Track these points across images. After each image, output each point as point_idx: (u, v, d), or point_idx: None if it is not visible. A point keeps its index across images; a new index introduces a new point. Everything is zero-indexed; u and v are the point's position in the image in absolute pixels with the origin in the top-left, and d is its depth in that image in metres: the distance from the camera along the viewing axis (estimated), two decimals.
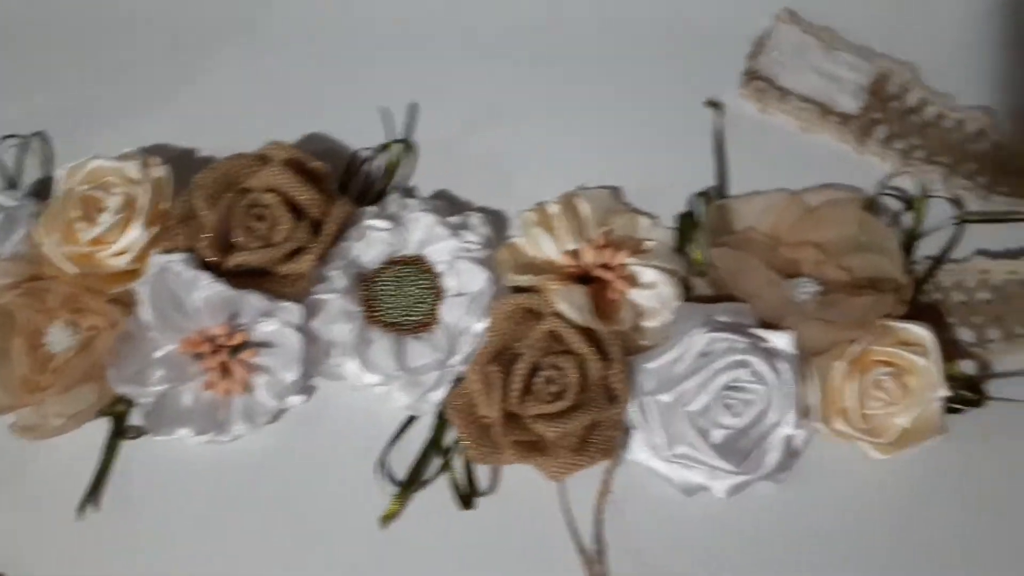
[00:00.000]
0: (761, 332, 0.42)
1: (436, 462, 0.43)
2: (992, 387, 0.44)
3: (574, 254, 0.44)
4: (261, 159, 0.46)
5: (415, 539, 0.42)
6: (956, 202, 0.47)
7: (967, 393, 0.43)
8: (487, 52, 0.52)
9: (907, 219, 0.47)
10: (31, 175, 0.50)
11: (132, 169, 0.45)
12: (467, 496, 0.42)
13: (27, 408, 0.43)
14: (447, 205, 0.47)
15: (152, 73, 0.52)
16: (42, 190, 0.49)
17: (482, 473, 0.43)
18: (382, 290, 0.45)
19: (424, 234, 0.45)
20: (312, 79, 0.52)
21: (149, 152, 0.49)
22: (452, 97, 0.51)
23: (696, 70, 0.50)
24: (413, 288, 0.45)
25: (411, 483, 0.42)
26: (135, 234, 0.44)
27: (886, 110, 0.50)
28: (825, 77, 0.50)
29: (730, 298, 0.43)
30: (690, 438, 0.40)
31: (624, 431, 0.42)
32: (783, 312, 0.42)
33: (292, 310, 0.44)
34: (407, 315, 0.44)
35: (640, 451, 0.42)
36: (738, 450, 0.41)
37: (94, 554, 0.43)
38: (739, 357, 0.40)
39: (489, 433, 0.41)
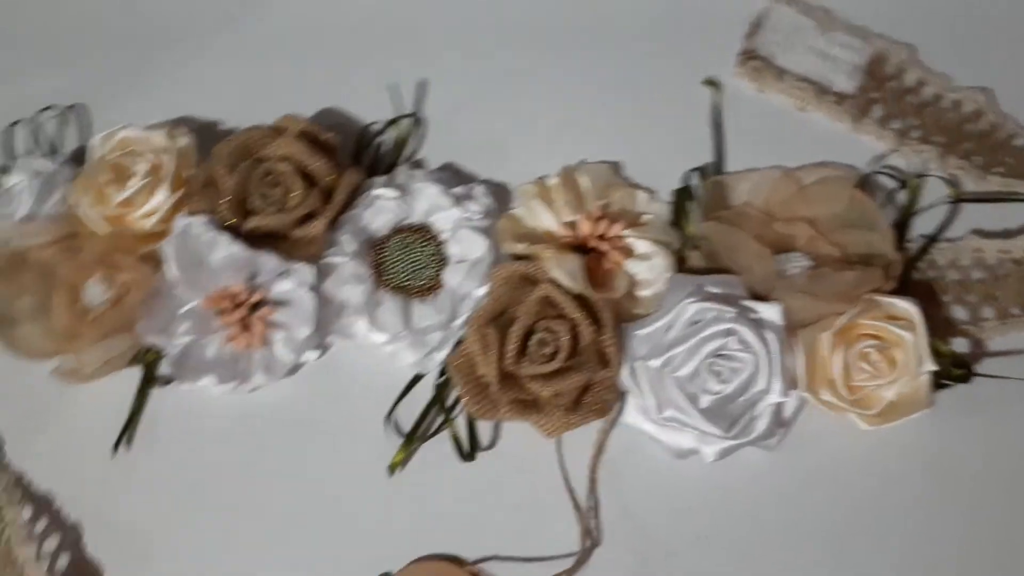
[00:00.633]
0: (750, 303, 0.43)
1: (440, 417, 0.45)
2: (985, 366, 0.45)
3: (571, 225, 0.46)
4: (276, 131, 0.49)
5: (420, 487, 0.45)
6: (951, 182, 0.48)
7: (955, 369, 0.43)
8: (490, 32, 0.54)
9: (902, 198, 0.48)
10: (71, 143, 0.53)
11: (159, 138, 0.48)
12: (470, 451, 0.44)
13: (67, 355, 0.47)
14: (452, 177, 0.50)
15: (180, 50, 0.56)
16: (80, 157, 0.52)
17: (483, 429, 0.45)
18: (390, 255, 0.47)
19: (429, 203, 0.47)
20: (326, 55, 0.55)
21: (176, 123, 0.52)
22: (458, 74, 0.53)
23: (694, 49, 0.52)
24: (418, 254, 0.47)
25: (415, 435, 0.45)
26: (161, 197, 0.47)
27: (883, 90, 0.51)
28: (821, 57, 0.52)
29: (722, 271, 0.45)
30: (679, 402, 0.42)
31: (617, 394, 0.44)
32: (772, 285, 0.44)
33: (305, 271, 0.46)
34: (413, 279, 0.47)
35: (633, 415, 0.44)
36: (726, 415, 0.42)
37: (124, 489, 0.46)
38: (727, 326, 0.42)
39: (488, 391, 0.44)
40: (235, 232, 0.47)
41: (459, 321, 0.45)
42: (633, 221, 0.47)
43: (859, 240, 0.45)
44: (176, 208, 0.48)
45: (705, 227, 0.45)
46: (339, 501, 0.45)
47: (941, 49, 0.51)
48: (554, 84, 0.53)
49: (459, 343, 0.45)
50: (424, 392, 0.46)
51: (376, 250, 0.48)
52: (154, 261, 0.47)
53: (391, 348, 0.46)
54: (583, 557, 0.42)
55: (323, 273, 0.47)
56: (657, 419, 0.43)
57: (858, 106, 0.51)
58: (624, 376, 0.44)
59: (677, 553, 0.43)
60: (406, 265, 0.47)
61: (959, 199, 0.48)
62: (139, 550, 0.45)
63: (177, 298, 0.47)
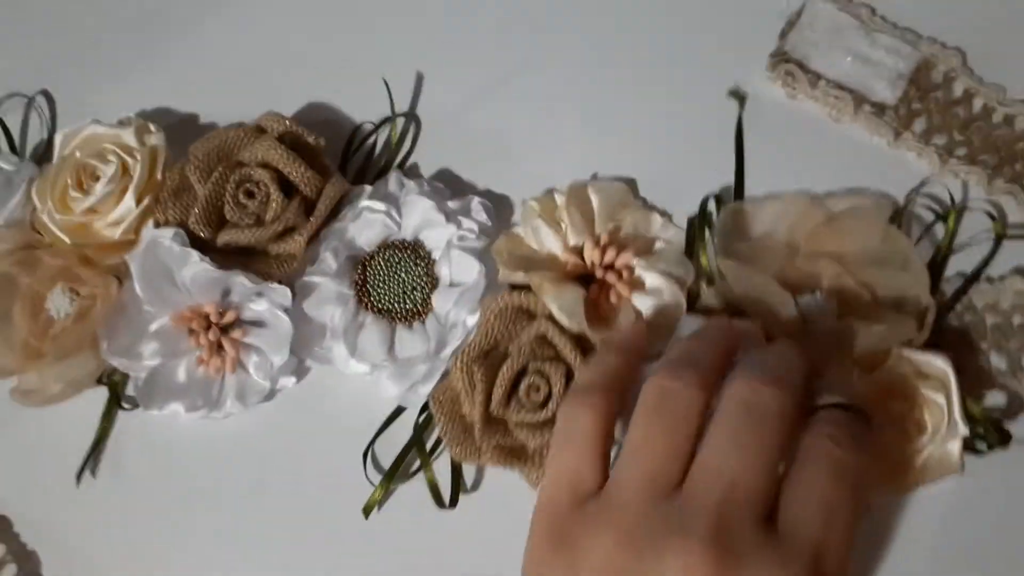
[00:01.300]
0: None
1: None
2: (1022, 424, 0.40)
3: (577, 250, 0.42)
4: (258, 130, 0.45)
5: (398, 527, 0.42)
6: (996, 215, 0.43)
7: (989, 433, 0.39)
8: (499, 20, 0.48)
9: (940, 230, 0.43)
10: (33, 136, 0.49)
11: (128, 136, 0.44)
12: (452, 497, 0.41)
13: (29, 373, 0.44)
14: (448, 187, 0.45)
15: (157, 32, 0.50)
16: (43, 152, 0.48)
17: (468, 469, 0.42)
18: (375, 275, 0.44)
19: (420, 219, 0.43)
20: (317, 42, 0.49)
21: (152, 115, 0.48)
22: (460, 68, 0.48)
23: (725, 49, 0.47)
24: (404, 275, 0.43)
25: (393, 475, 0.42)
26: (128, 205, 0.43)
27: (927, 101, 0.46)
28: (861, 61, 0.46)
29: (738, 312, 0.41)
30: None
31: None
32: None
33: (281, 291, 0.43)
34: (400, 302, 0.43)
35: None
36: None
37: (86, 517, 0.44)
38: None
39: (471, 433, 0.40)
40: (207, 247, 0.44)
41: (446, 351, 0.42)
42: (644, 248, 0.42)
43: (890, 281, 0.40)
44: (145, 216, 0.44)
45: (722, 264, 0.41)
46: (313, 540, 0.42)
47: (995, 56, 0.45)
48: (567, 83, 0.47)
49: (445, 375, 0.42)
50: (408, 425, 0.42)
51: (361, 267, 0.44)
52: (121, 273, 0.44)
53: (372, 378, 0.43)
54: None
55: (303, 292, 0.44)
56: None
57: (899, 118, 0.45)
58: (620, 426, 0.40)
59: None
60: (392, 286, 0.43)
61: (1003, 235, 0.43)
62: None
63: (144, 315, 0.44)
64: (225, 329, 0.43)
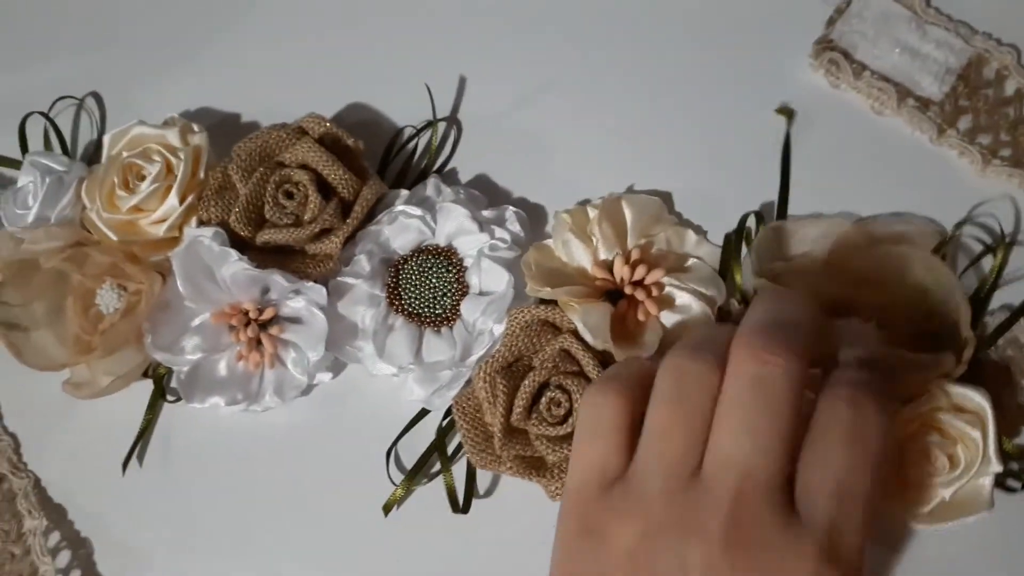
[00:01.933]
0: None
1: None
2: None
3: (607, 266, 0.42)
4: (300, 132, 0.45)
5: (414, 527, 0.43)
6: None
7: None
8: (542, 26, 0.48)
9: (988, 260, 0.41)
10: (84, 136, 0.51)
11: (172, 136, 0.45)
12: (465, 503, 0.42)
13: (80, 366, 0.46)
14: (485, 193, 0.45)
15: (201, 34, 0.51)
16: (93, 152, 0.49)
17: (483, 477, 0.43)
18: (407, 278, 0.44)
19: (454, 226, 0.43)
20: (360, 45, 0.49)
21: (196, 115, 0.49)
22: (502, 73, 0.47)
23: (768, 47, 0.45)
24: (435, 280, 0.44)
25: (415, 475, 0.43)
26: (172, 203, 0.44)
27: (975, 98, 0.44)
28: (910, 54, 0.44)
29: None
30: None
31: None
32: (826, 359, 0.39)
33: (317, 290, 0.44)
34: (430, 307, 0.44)
35: None
36: None
37: (136, 507, 0.46)
38: None
39: (492, 442, 0.41)
40: (247, 245, 0.45)
41: (472, 359, 0.42)
42: (677, 265, 0.42)
43: (931, 312, 0.39)
44: (189, 214, 0.45)
45: (758, 284, 0.40)
46: (338, 534, 0.43)
47: None
48: (606, 88, 0.46)
49: (470, 381, 0.42)
50: (431, 427, 0.43)
51: (394, 270, 0.44)
52: (167, 269, 0.45)
53: (399, 379, 0.44)
54: None
55: (337, 292, 0.44)
56: None
57: (944, 115, 0.44)
58: None
59: None
60: (423, 291, 0.44)
61: None
62: (138, 570, 0.45)
63: (187, 311, 0.45)
64: (264, 325, 0.44)
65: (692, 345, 0.34)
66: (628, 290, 0.41)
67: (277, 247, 0.45)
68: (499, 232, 0.43)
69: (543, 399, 0.40)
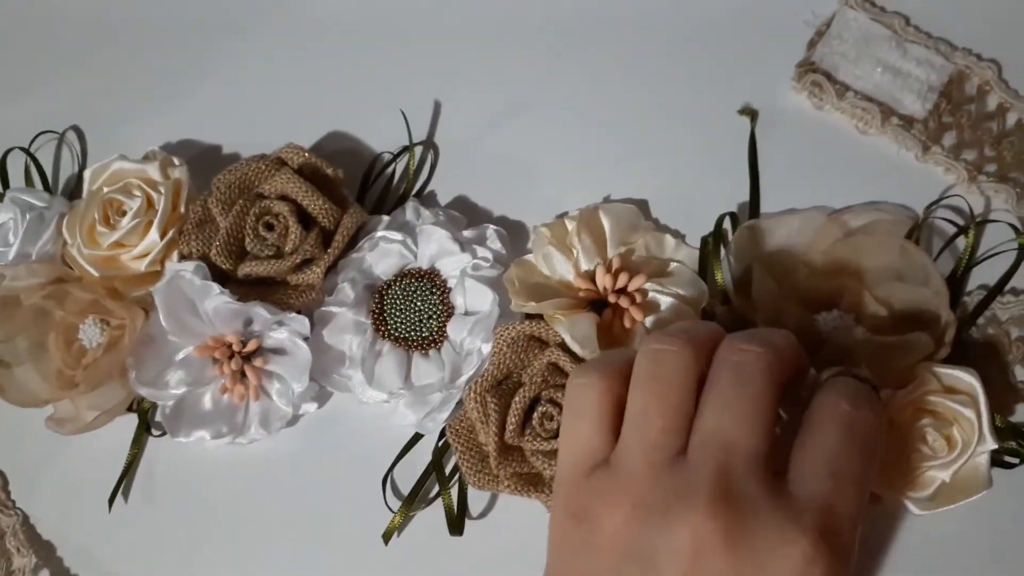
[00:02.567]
0: None
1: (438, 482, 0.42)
2: None
3: (590, 276, 0.42)
4: (279, 162, 0.45)
5: (415, 554, 0.42)
6: (1019, 228, 0.42)
7: (1020, 446, 0.39)
8: (510, 46, 0.48)
9: (962, 242, 0.42)
10: (65, 171, 0.51)
11: (152, 171, 0.45)
12: (458, 524, 0.41)
13: (63, 402, 0.45)
14: (465, 214, 0.45)
15: (180, 66, 0.52)
16: (77, 187, 0.50)
17: (480, 498, 0.42)
18: (391, 303, 0.44)
19: (436, 248, 0.44)
20: (337, 74, 0.50)
21: (177, 147, 0.49)
22: (476, 96, 0.48)
23: (750, 62, 0.46)
24: (420, 303, 0.44)
25: (412, 501, 0.42)
26: (153, 238, 0.45)
27: (958, 114, 0.44)
28: (892, 73, 0.45)
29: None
30: None
31: None
32: (811, 351, 0.39)
33: (300, 321, 0.44)
34: (416, 331, 0.44)
35: None
36: None
37: (123, 542, 0.45)
38: None
39: (488, 461, 0.40)
40: (229, 278, 0.45)
41: (462, 379, 0.42)
42: (658, 270, 0.42)
43: (909, 296, 0.39)
44: (170, 248, 0.45)
45: (738, 285, 0.40)
46: (333, 565, 0.43)
47: None
48: (578, 105, 0.47)
49: (461, 403, 0.42)
50: (425, 450, 0.43)
51: (378, 296, 0.44)
52: (149, 304, 0.45)
53: (390, 405, 0.43)
54: None
55: (322, 321, 0.44)
56: None
57: (928, 132, 0.44)
58: None
59: None
60: (409, 315, 0.44)
61: None
62: None
63: (170, 345, 0.45)
64: (248, 358, 0.44)
65: (668, 330, 0.35)
66: (612, 299, 0.41)
67: (259, 279, 0.45)
68: (480, 251, 0.43)
69: (535, 414, 0.40)
